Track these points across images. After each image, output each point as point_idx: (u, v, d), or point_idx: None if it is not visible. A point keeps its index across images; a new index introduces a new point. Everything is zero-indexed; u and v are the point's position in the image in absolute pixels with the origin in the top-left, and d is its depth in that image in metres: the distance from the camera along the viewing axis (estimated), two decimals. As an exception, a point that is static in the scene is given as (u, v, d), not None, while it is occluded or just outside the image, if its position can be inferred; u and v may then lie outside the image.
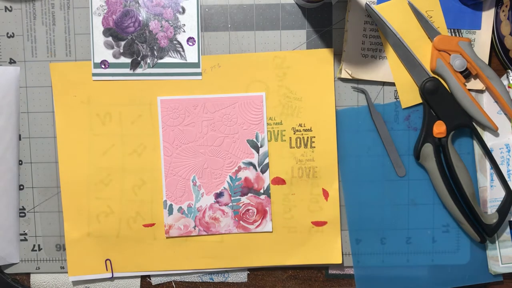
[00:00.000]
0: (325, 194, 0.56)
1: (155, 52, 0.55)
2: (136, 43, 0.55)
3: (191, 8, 0.55)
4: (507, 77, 0.55)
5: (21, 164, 0.57)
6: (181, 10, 0.55)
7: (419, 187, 0.57)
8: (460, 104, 0.54)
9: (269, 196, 0.56)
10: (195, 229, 0.56)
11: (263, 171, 0.56)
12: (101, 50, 0.55)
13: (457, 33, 0.55)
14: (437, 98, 0.54)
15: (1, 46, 0.56)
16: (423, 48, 0.55)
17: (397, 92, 0.56)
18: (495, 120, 0.55)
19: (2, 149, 0.55)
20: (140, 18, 0.55)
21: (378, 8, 0.54)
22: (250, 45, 0.55)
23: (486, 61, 0.55)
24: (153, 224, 0.56)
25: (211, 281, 0.58)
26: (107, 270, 0.57)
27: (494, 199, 0.55)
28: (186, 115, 0.55)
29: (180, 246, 0.56)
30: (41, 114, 0.56)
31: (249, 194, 0.56)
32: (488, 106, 0.56)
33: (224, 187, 0.56)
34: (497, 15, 0.55)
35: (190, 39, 0.55)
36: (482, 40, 0.55)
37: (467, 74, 0.54)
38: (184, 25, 0.55)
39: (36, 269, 0.58)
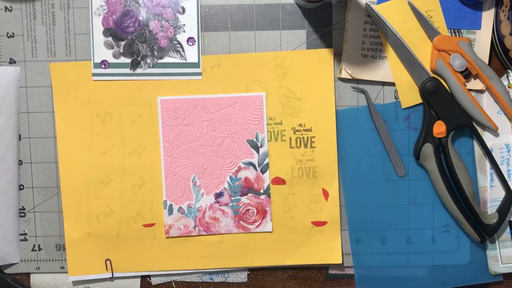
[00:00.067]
0: (325, 194, 0.56)
1: (155, 52, 0.55)
2: (136, 43, 0.55)
3: (191, 8, 0.55)
4: (507, 77, 0.55)
5: (21, 164, 0.57)
6: (181, 10, 0.55)
7: (419, 187, 0.57)
8: (460, 104, 0.54)
9: (269, 196, 0.56)
10: (195, 229, 0.56)
11: (263, 171, 0.56)
12: (101, 50, 0.55)
13: (457, 33, 0.55)
14: (437, 98, 0.54)
15: (1, 46, 0.56)
16: (423, 48, 0.55)
17: (397, 92, 0.56)
18: (495, 120, 0.55)
19: (2, 149, 0.55)
20: (140, 18, 0.55)
21: (378, 8, 0.54)
22: (250, 45, 0.55)
23: (486, 61, 0.55)
24: (153, 224, 0.56)
25: (211, 281, 0.58)
26: (107, 270, 0.57)
27: (494, 199, 0.55)
28: (186, 115, 0.55)
29: (180, 246, 0.56)
30: (41, 114, 0.56)
31: (249, 194, 0.56)
32: (488, 106, 0.56)
33: (224, 187, 0.56)
34: (497, 15, 0.55)
35: (190, 39, 0.55)
36: (482, 40, 0.55)
37: (467, 74, 0.54)
38: (184, 25, 0.55)
39: (36, 269, 0.58)
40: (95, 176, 0.56)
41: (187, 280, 0.58)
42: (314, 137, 0.56)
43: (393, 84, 0.56)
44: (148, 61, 0.55)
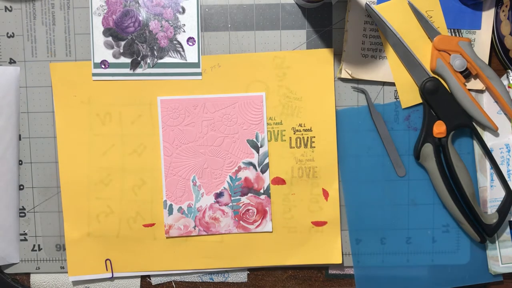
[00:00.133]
0: (325, 194, 0.56)
1: (155, 52, 0.55)
2: (136, 43, 0.55)
3: (191, 8, 0.55)
4: (507, 77, 0.55)
5: (21, 164, 0.57)
6: (181, 10, 0.55)
7: (419, 187, 0.57)
8: (460, 104, 0.54)
9: (269, 196, 0.56)
10: (195, 229, 0.56)
11: (263, 171, 0.56)
12: (101, 50, 0.55)
13: (457, 33, 0.55)
14: (437, 98, 0.54)
15: (1, 46, 0.56)
16: (423, 48, 0.55)
17: (397, 92, 0.56)
18: (495, 120, 0.55)
19: (2, 149, 0.55)
20: (140, 18, 0.55)
21: (378, 8, 0.54)
22: (250, 45, 0.55)
23: (486, 61, 0.55)
24: (153, 224, 0.56)
25: (211, 281, 0.58)
26: (107, 270, 0.57)
27: (494, 199, 0.55)
28: (186, 115, 0.55)
29: (180, 246, 0.56)
30: (41, 114, 0.56)
31: (249, 194, 0.56)
32: (488, 106, 0.56)
33: (224, 187, 0.56)
34: (497, 15, 0.55)
35: (190, 39, 0.55)
36: (482, 40, 0.55)
37: (467, 74, 0.54)
38: (184, 25, 0.55)
39: (36, 269, 0.58)
40: (95, 176, 0.56)
41: (187, 280, 0.58)
42: (314, 137, 0.56)
43: (393, 84, 0.56)
44: (148, 61, 0.55)
